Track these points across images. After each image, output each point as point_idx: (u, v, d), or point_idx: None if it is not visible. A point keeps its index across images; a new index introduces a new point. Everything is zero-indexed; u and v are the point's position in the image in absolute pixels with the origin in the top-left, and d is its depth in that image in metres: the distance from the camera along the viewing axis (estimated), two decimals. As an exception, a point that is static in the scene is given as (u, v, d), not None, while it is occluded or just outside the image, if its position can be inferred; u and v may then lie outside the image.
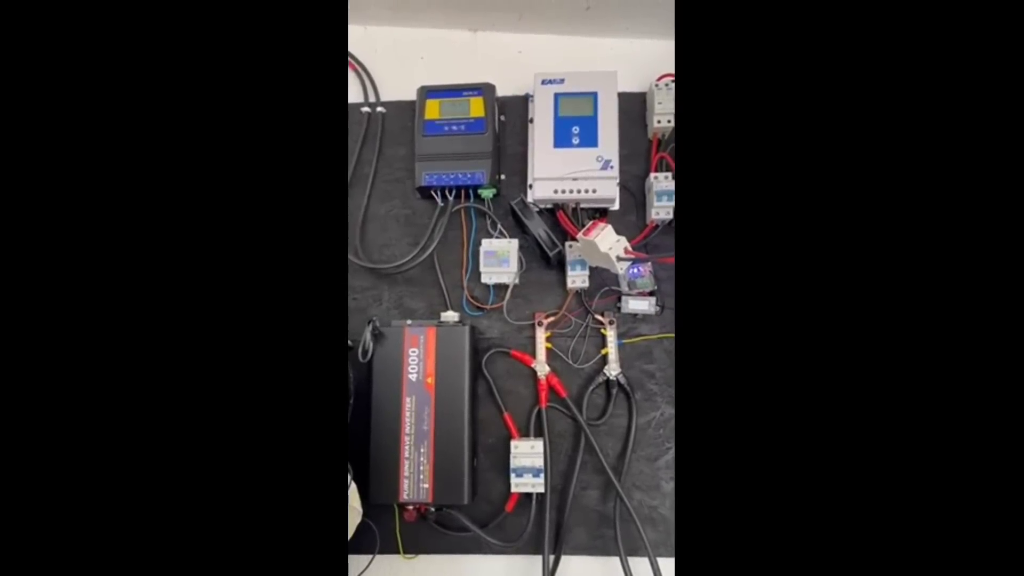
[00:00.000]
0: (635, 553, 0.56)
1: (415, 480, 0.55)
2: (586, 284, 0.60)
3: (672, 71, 0.62)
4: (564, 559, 0.59)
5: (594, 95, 0.60)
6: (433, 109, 0.63)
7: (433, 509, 0.57)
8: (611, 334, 0.60)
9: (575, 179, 0.59)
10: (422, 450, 0.56)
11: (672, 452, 0.60)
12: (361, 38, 0.70)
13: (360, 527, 0.54)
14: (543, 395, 0.60)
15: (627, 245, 0.53)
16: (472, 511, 0.58)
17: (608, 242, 0.52)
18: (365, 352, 0.56)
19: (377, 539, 0.57)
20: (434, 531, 0.59)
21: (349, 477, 0.52)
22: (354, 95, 0.69)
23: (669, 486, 0.59)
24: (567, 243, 0.60)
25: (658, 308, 0.60)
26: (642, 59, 0.66)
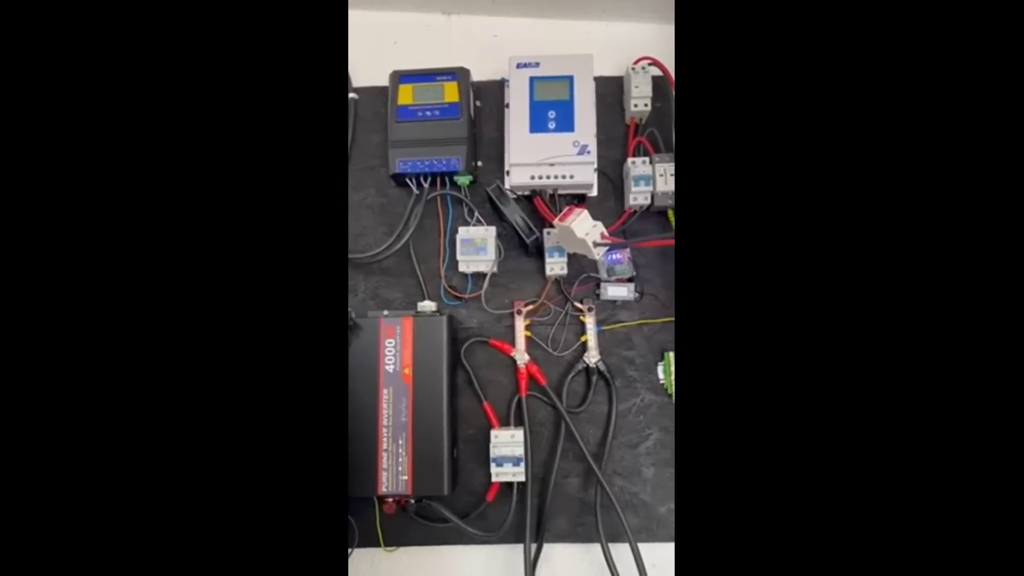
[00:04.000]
0: (617, 539, 0.56)
1: (394, 472, 0.55)
2: (565, 271, 0.60)
3: (648, 54, 0.61)
4: (546, 547, 0.59)
5: (570, 79, 0.59)
6: (406, 94, 0.62)
7: (413, 501, 0.56)
8: (590, 321, 0.60)
9: (552, 165, 0.58)
10: (400, 442, 0.55)
11: (652, 438, 0.60)
12: (332, 22, 0.68)
13: (338, 521, 0.54)
14: (523, 384, 0.60)
15: (603, 230, 0.52)
16: (453, 502, 0.57)
17: (584, 228, 0.51)
18: (340, 344, 0.55)
19: (356, 533, 0.56)
20: (415, 523, 0.58)
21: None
22: (325, 81, 0.67)
23: (650, 472, 0.59)
24: (545, 230, 0.60)
25: (637, 294, 0.59)
26: (619, 43, 0.65)
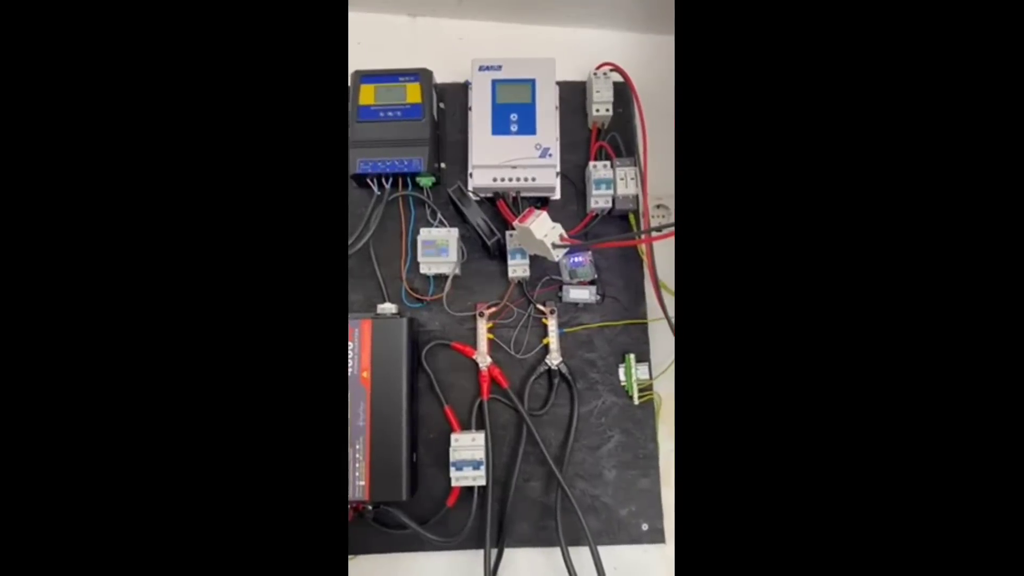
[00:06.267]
0: (578, 543, 0.56)
1: (350, 478, 0.53)
2: (527, 274, 0.60)
3: (610, 60, 0.62)
4: (507, 552, 0.58)
5: (532, 82, 0.60)
6: (368, 94, 0.61)
7: (371, 507, 0.55)
8: (552, 323, 0.60)
9: (514, 167, 0.58)
10: (357, 447, 0.54)
11: (614, 440, 0.60)
12: (294, 21, 0.67)
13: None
14: (485, 387, 0.59)
15: (562, 232, 0.52)
16: (414, 507, 0.56)
17: (543, 229, 0.51)
18: (296, 346, 0.54)
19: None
20: (372, 530, 0.57)
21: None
22: (287, 80, 0.66)
23: (611, 474, 0.59)
24: (507, 232, 0.60)
25: (598, 297, 0.60)
26: (582, 48, 0.66)
